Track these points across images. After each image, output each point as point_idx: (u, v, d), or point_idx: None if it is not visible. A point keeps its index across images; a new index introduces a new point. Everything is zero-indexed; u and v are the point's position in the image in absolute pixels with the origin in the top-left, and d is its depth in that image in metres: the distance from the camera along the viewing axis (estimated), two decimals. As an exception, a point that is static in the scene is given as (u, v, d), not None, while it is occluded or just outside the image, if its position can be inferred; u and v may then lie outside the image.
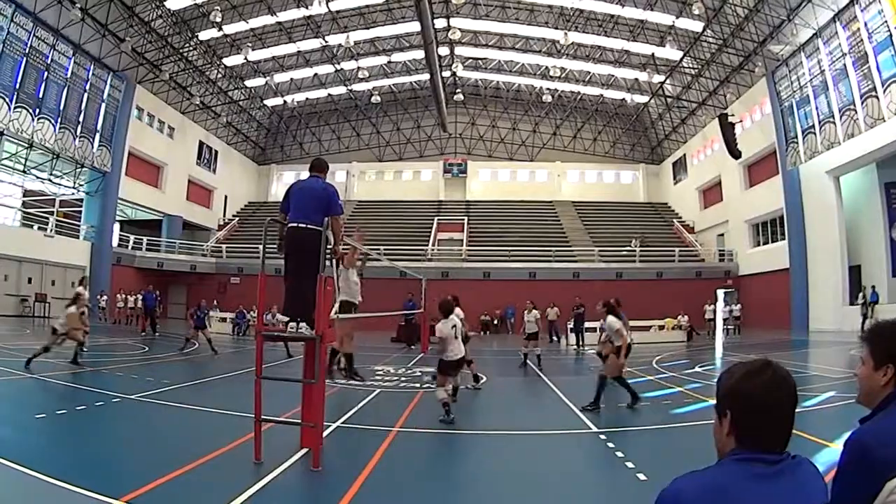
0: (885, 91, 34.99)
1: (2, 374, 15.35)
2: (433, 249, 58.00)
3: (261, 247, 9.71)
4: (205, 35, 54.90)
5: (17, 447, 8.99)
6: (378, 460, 9.28)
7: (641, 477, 8.16)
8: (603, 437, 11.04)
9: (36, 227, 46.29)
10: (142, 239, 55.06)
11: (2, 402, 13.41)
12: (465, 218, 64.17)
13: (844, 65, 38.83)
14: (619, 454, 9.55)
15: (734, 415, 2.27)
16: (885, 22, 34.85)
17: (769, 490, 2.14)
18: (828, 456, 8.61)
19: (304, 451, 9.25)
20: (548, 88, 66.99)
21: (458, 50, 62.45)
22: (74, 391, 14.82)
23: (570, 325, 36.06)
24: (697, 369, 22.28)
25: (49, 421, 11.27)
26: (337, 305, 13.70)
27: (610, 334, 14.98)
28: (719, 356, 29.34)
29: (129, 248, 54.08)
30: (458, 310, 14.92)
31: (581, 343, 33.26)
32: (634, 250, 54.62)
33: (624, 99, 66.79)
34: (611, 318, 14.85)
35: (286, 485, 8.04)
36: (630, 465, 8.82)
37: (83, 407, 12.66)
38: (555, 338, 39.68)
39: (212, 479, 8.02)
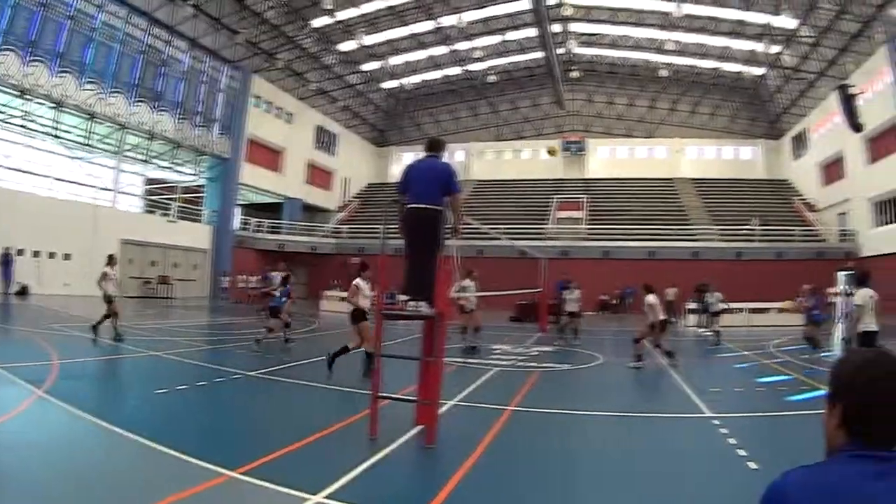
0: None
1: (126, 352, 15.92)
2: (552, 228, 57.83)
3: (381, 227, 9.83)
4: (317, 22, 55.58)
5: (140, 420, 9.42)
6: (492, 439, 9.39)
7: (753, 466, 8.12)
8: (716, 422, 10.95)
9: (159, 213, 48.18)
10: (263, 222, 56.60)
11: (125, 378, 14.13)
12: (585, 196, 63.70)
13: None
14: (732, 441, 9.49)
15: (845, 407, 2.18)
16: None
17: (882, 490, 2.01)
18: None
19: (419, 427, 9.37)
20: (663, 63, 65.67)
21: (572, 26, 61.53)
22: (196, 368, 15.31)
23: (693, 305, 35.59)
24: (816, 355, 21.64)
25: (170, 396, 11.74)
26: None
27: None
28: (838, 342, 28.58)
29: (251, 230, 55.60)
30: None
31: (707, 324, 32.36)
32: (754, 229, 53.48)
33: (741, 72, 64.96)
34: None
35: (400, 460, 8.21)
36: (742, 452, 8.77)
37: (203, 383, 13.14)
38: (672, 319, 39.19)
39: (327, 454, 8.25)
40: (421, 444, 8.81)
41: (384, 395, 9.28)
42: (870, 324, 12.45)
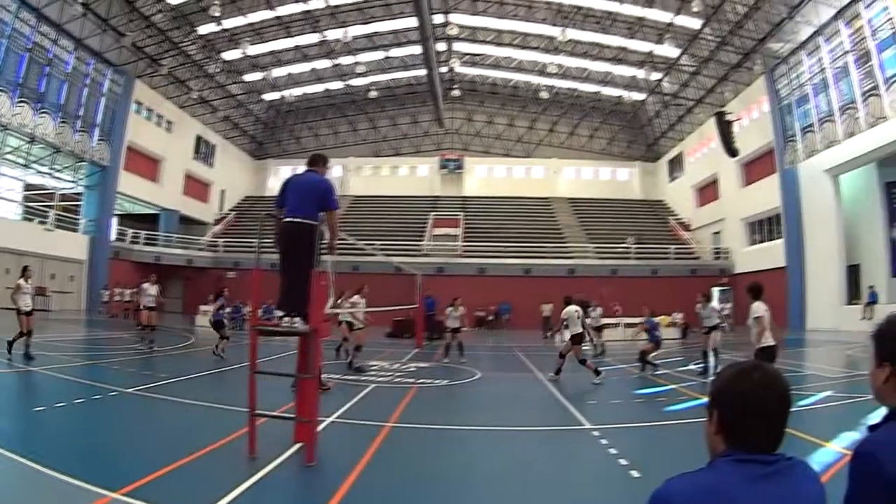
0: (887, 89, 34.95)
1: (2, 368, 15.48)
2: (428, 245, 58.05)
3: (256, 242, 9.72)
4: (204, 29, 54.70)
5: (16, 439, 9.13)
6: (372, 455, 9.36)
7: (635, 474, 8.25)
8: (596, 433, 11.09)
9: (36, 220, 46.32)
10: (139, 233, 55.18)
11: (2, 396, 13.58)
12: (461, 213, 64.15)
13: (846, 63, 38.84)
14: (613, 451, 9.62)
15: (721, 415, 2.28)
16: (890, 19, 34.77)
17: (763, 492, 2.12)
18: (823, 456, 8.80)
19: (298, 445, 9.29)
20: (545, 85, 66.64)
21: (456, 46, 62.19)
22: (73, 384, 14.83)
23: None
24: (691, 367, 22.37)
25: (48, 413, 11.40)
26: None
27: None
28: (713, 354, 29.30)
29: (128, 241, 54.14)
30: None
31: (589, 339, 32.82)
32: (630, 247, 54.81)
33: (621, 96, 66.48)
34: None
35: (280, 479, 8.11)
36: (623, 462, 8.89)
37: (81, 400, 12.77)
38: (548, 334, 39.74)
39: (206, 474, 8.11)
40: (301, 463, 8.71)
41: (261, 412, 9.13)
42: (767, 338, 12.77)
